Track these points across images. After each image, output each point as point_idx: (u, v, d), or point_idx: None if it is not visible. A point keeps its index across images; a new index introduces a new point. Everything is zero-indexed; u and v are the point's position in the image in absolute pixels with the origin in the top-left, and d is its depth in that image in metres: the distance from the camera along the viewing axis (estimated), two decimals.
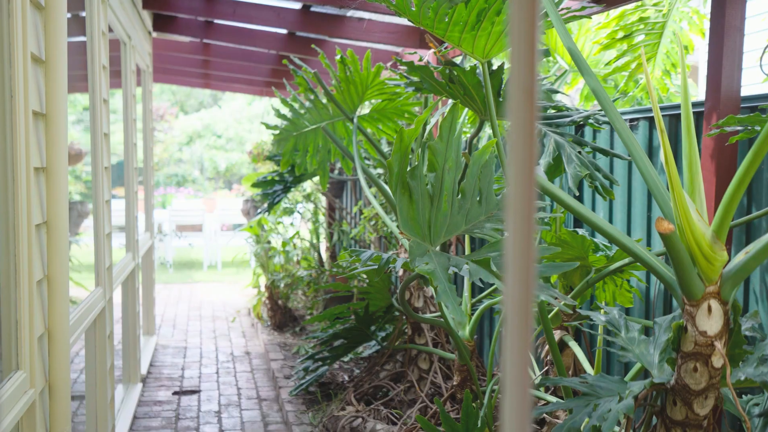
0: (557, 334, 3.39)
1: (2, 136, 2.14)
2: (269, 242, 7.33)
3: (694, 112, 3.32)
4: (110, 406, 3.73)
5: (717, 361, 1.85)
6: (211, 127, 24.51)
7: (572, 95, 6.29)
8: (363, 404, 4.30)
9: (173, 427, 4.59)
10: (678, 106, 3.40)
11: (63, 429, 2.38)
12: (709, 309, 1.83)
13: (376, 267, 2.45)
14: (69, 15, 3.82)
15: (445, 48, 3.13)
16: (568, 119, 3.34)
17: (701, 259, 1.80)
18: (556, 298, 2.04)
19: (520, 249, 0.67)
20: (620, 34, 4.31)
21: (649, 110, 3.63)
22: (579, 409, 2.06)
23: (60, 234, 2.38)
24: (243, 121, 23.40)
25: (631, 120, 3.76)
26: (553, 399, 2.93)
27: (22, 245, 2.15)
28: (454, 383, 3.54)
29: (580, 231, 3.33)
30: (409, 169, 2.26)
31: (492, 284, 3.52)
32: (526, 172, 0.67)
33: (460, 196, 2.46)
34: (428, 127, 3.24)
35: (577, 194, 2.71)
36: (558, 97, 4.54)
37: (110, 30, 4.52)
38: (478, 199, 2.43)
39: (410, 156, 2.49)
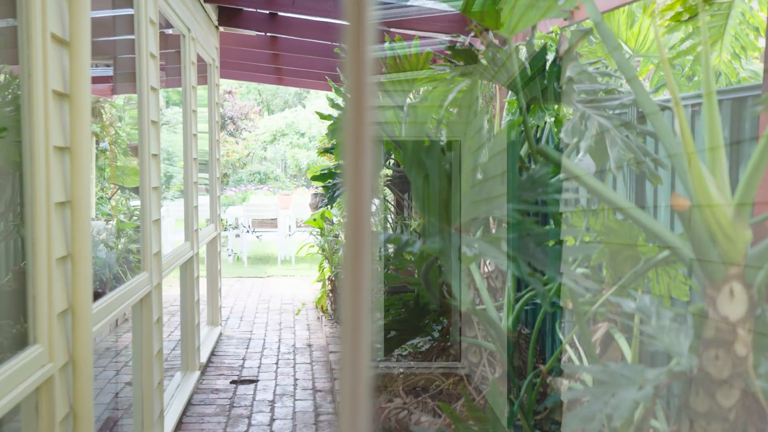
0: (604, 327, 3.24)
1: (25, 115, 2.18)
2: (336, 236, 7.34)
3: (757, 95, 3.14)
4: (158, 391, 3.78)
5: (741, 348, 1.70)
6: (295, 125, 24.89)
7: (643, 83, 6.03)
8: (411, 396, 4.24)
9: (226, 415, 4.63)
10: (739, 89, 3.21)
11: (85, 404, 2.41)
12: (732, 292, 1.69)
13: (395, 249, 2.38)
14: (131, 11, 3.88)
15: (475, 26, 3.04)
16: (617, 102, 3.20)
17: (722, 238, 1.66)
18: (575, 281, 1.93)
19: (353, 215, 0.64)
20: (685, 17, 4.09)
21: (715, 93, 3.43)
22: (597, 397, 1.94)
23: (83, 213, 2.41)
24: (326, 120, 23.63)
25: (693, 105, 3.58)
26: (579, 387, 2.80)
27: (40, 222, 2.18)
28: (496, 375, 3.44)
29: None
30: (424, 146, 2.18)
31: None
32: (359, 140, 0.64)
33: (481, 175, 2.37)
34: (445, 104, 3.14)
35: (615, 177, 2.57)
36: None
37: (170, 26, 4.60)
38: (500, 179, 2.34)
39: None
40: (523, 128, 2.48)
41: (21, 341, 2.24)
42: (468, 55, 3.27)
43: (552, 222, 2.64)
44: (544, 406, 3.22)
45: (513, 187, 2.32)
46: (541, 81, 3.22)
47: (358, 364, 0.61)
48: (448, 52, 3.40)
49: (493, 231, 4.34)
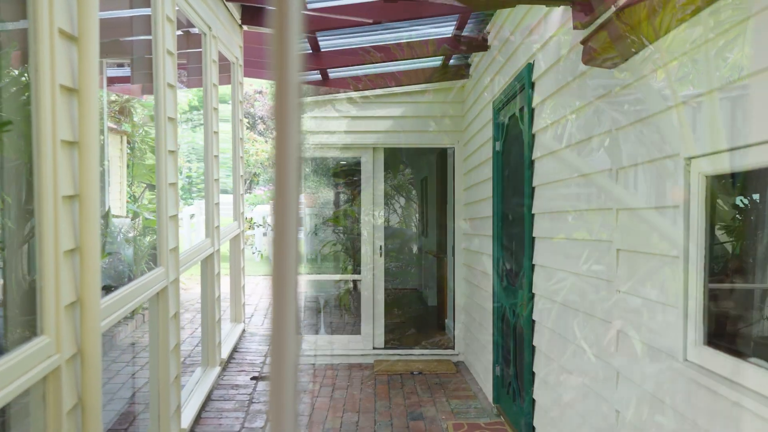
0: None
1: (33, 109, 2.21)
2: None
3: None
4: (174, 386, 3.81)
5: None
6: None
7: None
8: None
9: (245, 410, 4.66)
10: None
11: (93, 396, 2.43)
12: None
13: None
14: (149, 10, 3.92)
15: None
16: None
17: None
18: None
19: (282, 203, 0.66)
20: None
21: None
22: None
23: (91, 206, 2.43)
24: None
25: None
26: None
27: (47, 215, 2.20)
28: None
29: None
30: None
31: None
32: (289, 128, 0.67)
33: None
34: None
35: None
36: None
37: (193, 25, 4.63)
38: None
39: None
40: (525, 125, 2.46)
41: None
42: (474, 46, 3.24)
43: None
44: (555, 401, 3.19)
45: (516, 182, 2.30)
46: (555, 75, 3.19)
47: (282, 353, 0.62)
48: (463, 48, 3.38)
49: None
